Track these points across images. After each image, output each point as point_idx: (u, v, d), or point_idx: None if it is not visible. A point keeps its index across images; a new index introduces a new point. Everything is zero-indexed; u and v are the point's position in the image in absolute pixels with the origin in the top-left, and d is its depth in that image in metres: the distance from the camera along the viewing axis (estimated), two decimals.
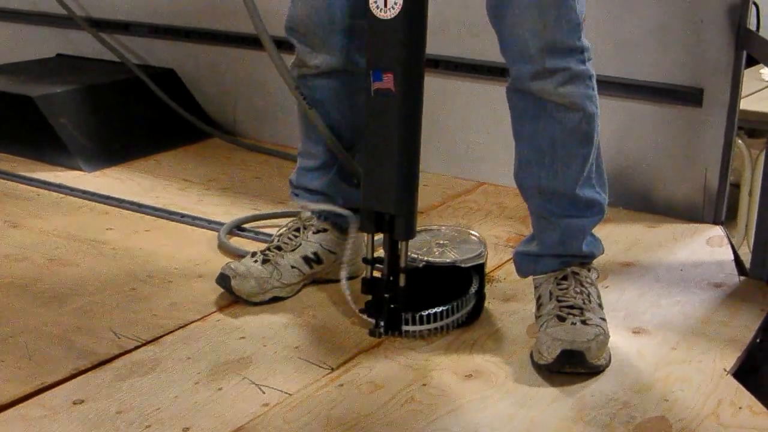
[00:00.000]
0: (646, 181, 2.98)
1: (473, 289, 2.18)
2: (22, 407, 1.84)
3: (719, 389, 1.94)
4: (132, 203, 2.95)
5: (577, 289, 2.10)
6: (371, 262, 2.15)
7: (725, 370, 2.02)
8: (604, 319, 2.06)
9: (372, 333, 2.11)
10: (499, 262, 2.54)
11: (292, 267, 2.33)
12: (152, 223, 2.81)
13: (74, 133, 3.37)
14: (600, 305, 2.11)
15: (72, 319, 2.19)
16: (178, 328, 2.16)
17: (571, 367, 1.96)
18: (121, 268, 2.48)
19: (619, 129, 2.97)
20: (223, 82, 3.77)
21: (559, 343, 1.96)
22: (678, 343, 2.14)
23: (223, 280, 2.28)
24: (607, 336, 2.02)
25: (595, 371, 1.99)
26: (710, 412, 1.86)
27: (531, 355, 2.05)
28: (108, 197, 3.00)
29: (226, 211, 2.89)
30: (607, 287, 2.39)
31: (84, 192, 3.04)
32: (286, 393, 1.90)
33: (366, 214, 2.11)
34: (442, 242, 2.27)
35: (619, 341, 2.12)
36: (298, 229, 2.38)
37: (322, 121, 2.29)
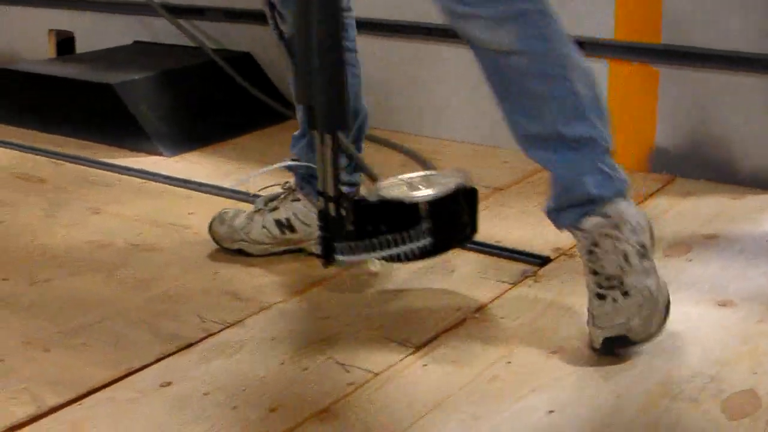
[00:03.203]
0: (730, 151, 2.93)
1: (425, 225, 2.08)
2: (111, 390, 1.86)
3: None
4: (212, 186, 2.98)
5: (612, 256, 1.96)
6: (322, 194, 2.10)
7: None
8: (649, 270, 1.96)
9: (324, 265, 2.14)
10: None
11: (263, 227, 2.42)
12: (233, 206, 2.82)
13: (153, 118, 3.41)
14: (643, 254, 1.97)
15: (157, 304, 2.22)
16: (262, 310, 2.17)
17: (620, 349, 1.94)
18: (203, 251, 2.50)
19: (702, 99, 2.93)
20: None
21: (600, 331, 1.94)
22: (765, 316, 2.10)
23: (211, 221, 2.47)
24: (653, 294, 1.93)
25: (647, 341, 1.96)
26: None
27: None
28: (188, 181, 3.03)
29: None
30: (690, 260, 2.36)
31: (164, 177, 3.08)
32: (371, 372, 1.90)
33: (303, 110, 2.18)
34: (416, 182, 2.18)
35: (704, 314, 2.10)
36: (284, 194, 2.46)
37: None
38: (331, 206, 2.07)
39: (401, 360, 1.95)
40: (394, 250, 2.07)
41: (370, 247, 2.06)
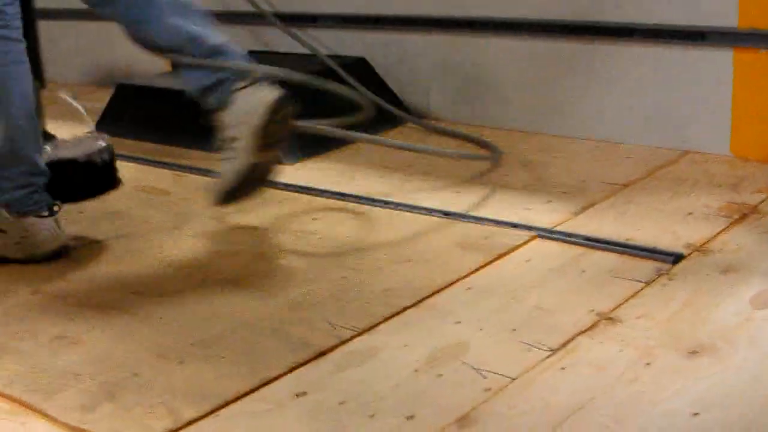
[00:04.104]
0: None
1: None
2: (246, 401, 1.86)
3: None
4: (334, 192, 2.97)
5: None
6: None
7: None
8: None
9: None
10: (714, 232, 2.45)
11: None
12: (356, 210, 2.82)
13: None
14: None
15: (286, 312, 2.21)
16: (393, 315, 2.16)
17: None
18: (329, 257, 2.49)
19: None
20: (414, 66, 3.76)
21: None
22: None
23: None
24: None
25: None
26: None
27: None
28: (310, 188, 3.03)
29: (428, 195, 2.88)
30: None
31: (286, 184, 3.08)
32: (507, 377, 1.87)
33: None
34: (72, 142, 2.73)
35: None
36: None
37: None
38: None
39: (538, 363, 1.91)
40: None
41: None
